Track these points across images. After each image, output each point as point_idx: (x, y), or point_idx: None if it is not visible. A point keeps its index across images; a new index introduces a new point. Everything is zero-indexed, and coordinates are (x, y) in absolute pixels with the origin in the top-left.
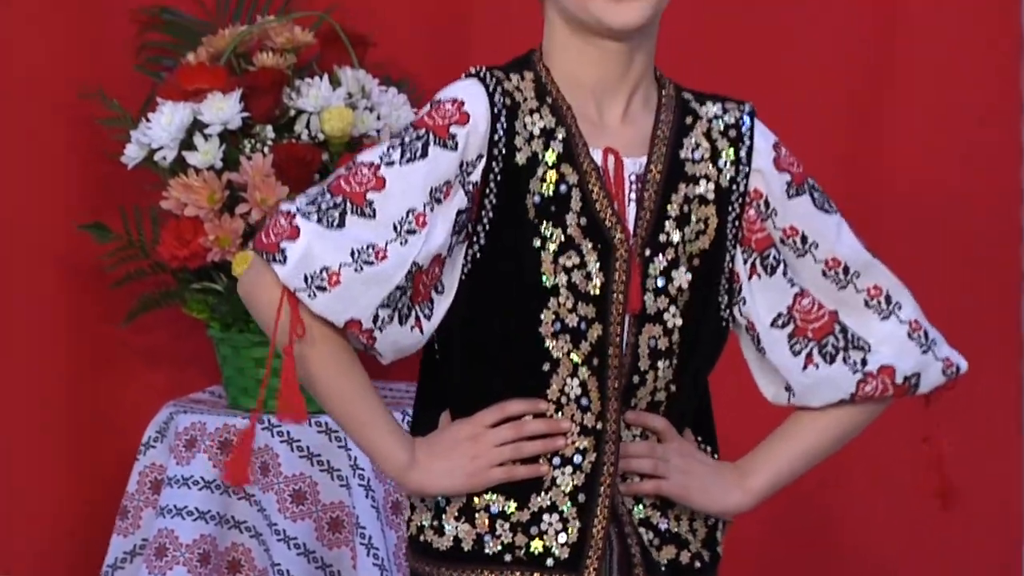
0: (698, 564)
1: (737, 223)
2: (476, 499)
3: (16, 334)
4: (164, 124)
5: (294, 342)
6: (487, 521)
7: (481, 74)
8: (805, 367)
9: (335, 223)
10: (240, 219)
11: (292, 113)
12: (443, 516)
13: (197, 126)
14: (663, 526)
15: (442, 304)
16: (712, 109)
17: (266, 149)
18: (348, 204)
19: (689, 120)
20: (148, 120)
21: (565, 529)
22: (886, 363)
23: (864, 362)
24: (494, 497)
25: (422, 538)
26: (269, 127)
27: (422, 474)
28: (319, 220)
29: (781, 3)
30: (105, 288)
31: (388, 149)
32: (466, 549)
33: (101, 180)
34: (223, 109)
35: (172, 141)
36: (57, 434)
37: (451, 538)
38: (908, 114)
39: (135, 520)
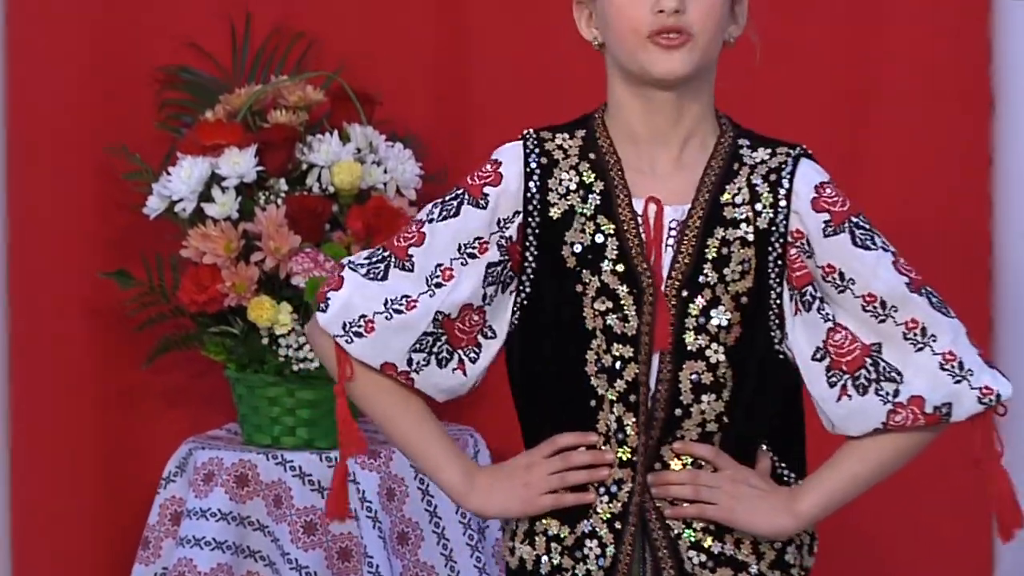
0: None
1: (780, 263)
2: (536, 523)
3: (45, 374)
4: (184, 177)
5: (343, 382)
6: (544, 543)
7: (527, 135)
8: (839, 399)
9: (380, 275)
10: (255, 267)
11: (304, 167)
12: (515, 539)
13: (215, 179)
14: (716, 549)
15: (491, 348)
16: (760, 154)
17: (279, 201)
18: (393, 258)
19: (736, 166)
20: (169, 174)
21: (603, 554)
22: (916, 393)
23: (896, 393)
24: (551, 522)
25: (506, 558)
26: (282, 180)
27: (481, 498)
28: (366, 273)
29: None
30: (128, 331)
31: (433, 207)
32: (529, 568)
33: (125, 230)
34: (239, 163)
35: (191, 193)
36: (84, 468)
37: (519, 558)
38: (884, 158)
39: (156, 550)
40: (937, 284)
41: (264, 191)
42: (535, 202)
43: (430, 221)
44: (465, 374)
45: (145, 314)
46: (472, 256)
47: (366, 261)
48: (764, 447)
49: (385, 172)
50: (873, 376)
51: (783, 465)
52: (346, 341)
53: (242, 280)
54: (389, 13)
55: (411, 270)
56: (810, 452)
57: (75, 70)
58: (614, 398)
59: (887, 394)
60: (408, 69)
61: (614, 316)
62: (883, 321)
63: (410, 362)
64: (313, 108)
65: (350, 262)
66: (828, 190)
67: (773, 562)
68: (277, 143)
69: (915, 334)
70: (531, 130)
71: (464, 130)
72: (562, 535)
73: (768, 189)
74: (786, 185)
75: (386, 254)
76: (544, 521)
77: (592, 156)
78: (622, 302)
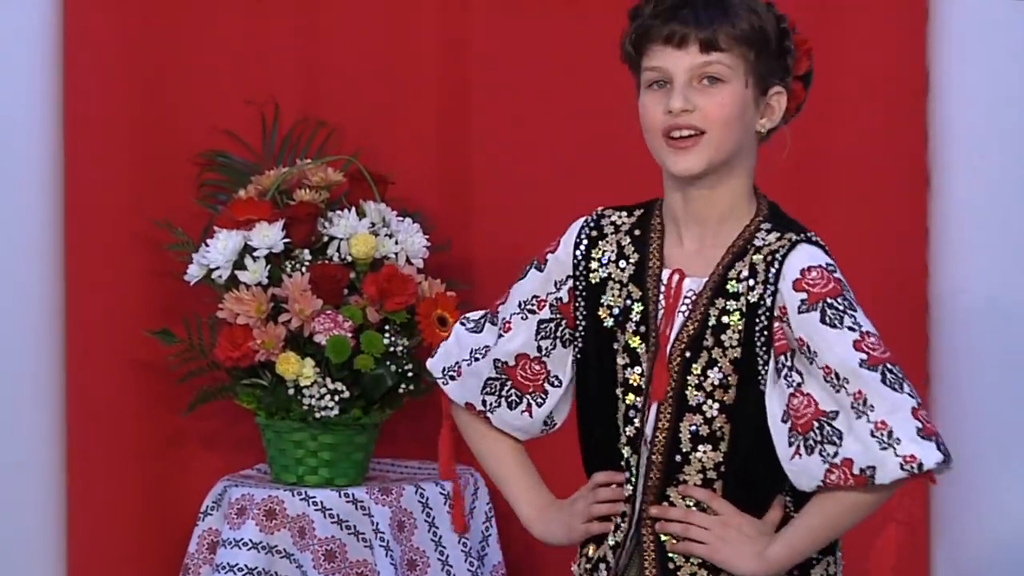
0: None
1: (766, 334)
2: (581, 547)
3: (99, 420)
4: (220, 248)
5: (447, 413)
6: (584, 561)
7: (593, 212)
8: (792, 457)
9: (478, 330)
10: (282, 326)
11: (325, 239)
12: (575, 563)
13: (247, 250)
14: None
15: (556, 394)
16: (770, 238)
17: (304, 269)
18: (489, 315)
19: (748, 248)
20: (207, 245)
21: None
22: (847, 456)
23: (835, 455)
24: (589, 545)
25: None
26: (306, 250)
27: (539, 529)
28: (472, 328)
29: None
30: (171, 383)
31: (522, 272)
32: None
33: (168, 294)
34: (268, 236)
35: (226, 262)
36: (131, 503)
37: (575, 574)
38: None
39: (195, 575)
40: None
41: (290, 260)
42: (581, 268)
43: (515, 284)
44: (531, 416)
45: (186, 368)
46: (531, 312)
47: (476, 317)
48: (786, 497)
49: (396, 244)
50: (819, 438)
51: (796, 511)
52: (443, 383)
53: (271, 338)
54: (400, 105)
55: (495, 324)
56: None
57: (126, 154)
58: (624, 441)
59: (827, 455)
60: (416, 154)
61: (631, 370)
62: (839, 391)
63: (484, 403)
64: (333, 188)
65: (464, 317)
66: (813, 273)
67: None
68: (302, 218)
69: (858, 404)
70: (599, 208)
71: (465, 207)
72: (591, 554)
73: (764, 268)
74: (777, 266)
75: (487, 311)
76: (586, 544)
77: (638, 232)
78: (638, 358)
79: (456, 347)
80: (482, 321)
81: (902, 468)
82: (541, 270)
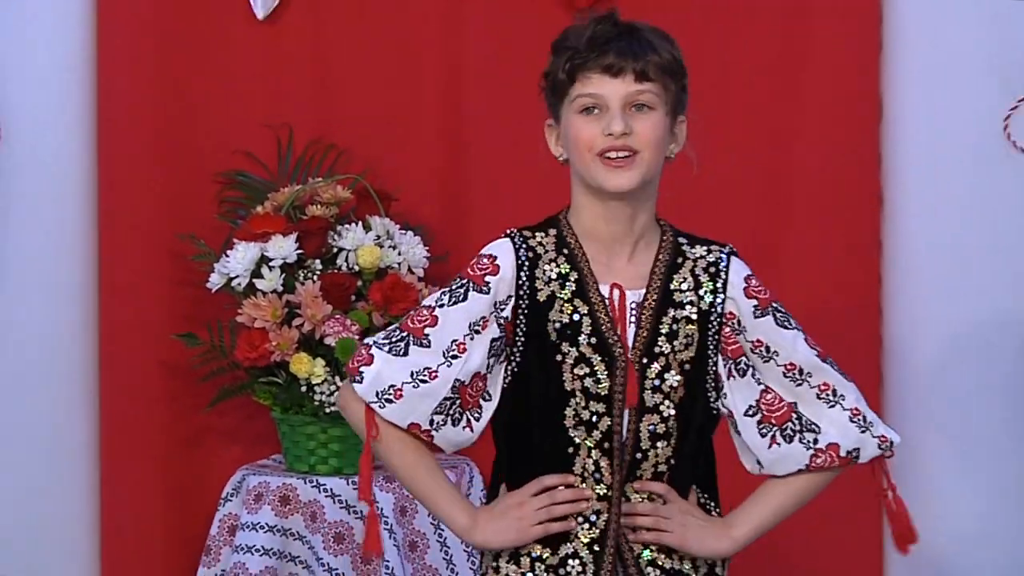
0: None
1: (716, 338)
2: (521, 548)
3: (130, 415)
4: (239, 259)
5: (370, 440)
6: (529, 563)
7: (512, 234)
8: (770, 446)
9: (401, 352)
10: (296, 329)
11: (335, 250)
12: (499, 559)
13: (264, 260)
14: (668, 565)
15: (488, 408)
16: (699, 251)
17: (315, 277)
18: (411, 338)
19: (680, 260)
20: (227, 256)
21: (584, 570)
22: (832, 441)
23: (816, 441)
24: (535, 546)
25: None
26: (318, 261)
27: (483, 534)
28: (389, 350)
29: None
30: (194, 382)
31: (441, 295)
32: None
33: (192, 301)
34: (283, 247)
35: (245, 271)
36: (159, 490)
37: (504, 574)
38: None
39: (216, 555)
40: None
41: (303, 269)
42: (525, 287)
43: (440, 306)
44: (472, 431)
45: (208, 368)
46: (478, 332)
47: (386, 341)
48: (693, 487)
49: (399, 255)
50: (797, 428)
51: (706, 497)
52: (379, 406)
53: (285, 340)
54: (403, 130)
55: (428, 346)
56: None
57: (155, 174)
58: (592, 445)
59: (809, 442)
60: (418, 173)
61: (590, 379)
62: (800, 385)
63: (431, 422)
64: (342, 204)
65: (375, 342)
66: (754, 281)
67: (707, 573)
68: (313, 231)
69: (827, 394)
70: (514, 230)
71: (463, 222)
72: (544, 556)
73: (708, 279)
74: (723, 276)
75: (404, 334)
76: (529, 545)
77: (565, 251)
78: (595, 368)
79: (387, 370)
80: (401, 344)
81: (879, 447)
82: (483, 292)
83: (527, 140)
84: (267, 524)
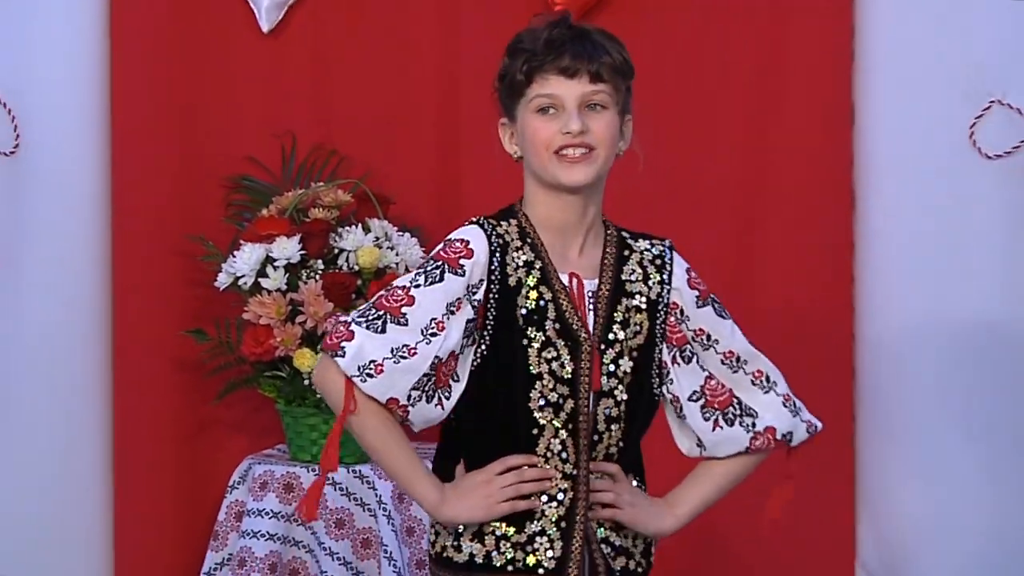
0: (640, 570)
1: (663, 327)
2: (485, 526)
3: (142, 407)
4: (245, 259)
5: (347, 414)
6: (494, 541)
7: (480, 222)
8: (714, 429)
9: (379, 329)
10: (299, 326)
11: (336, 251)
12: (461, 538)
13: (268, 260)
14: (617, 542)
15: (457, 389)
16: (643, 244)
17: (317, 276)
18: (388, 316)
19: (627, 252)
20: (234, 256)
21: (552, 547)
22: (769, 424)
23: (754, 424)
24: (498, 524)
25: (445, 554)
26: (320, 261)
27: (451, 510)
28: (367, 327)
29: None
30: (203, 376)
31: (416, 275)
32: (479, 562)
33: (201, 299)
34: (287, 248)
35: (251, 271)
36: (169, 478)
37: (467, 554)
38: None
39: (223, 540)
40: (805, 371)
41: (305, 269)
42: (497, 273)
43: (416, 287)
44: (443, 408)
45: (216, 362)
46: (454, 312)
47: (363, 319)
48: (630, 473)
49: (397, 255)
50: (737, 412)
51: (638, 480)
52: (360, 380)
53: (289, 336)
54: (400, 137)
55: (406, 324)
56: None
57: (165, 179)
58: (559, 426)
59: (748, 425)
60: (414, 178)
61: (556, 363)
62: (736, 372)
63: (409, 398)
64: (343, 207)
65: (352, 319)
66: (693, 274)
67: (643, 552)
68: (316, 233)
69: (761, 381)
70: (482, 218)
71: (457, 224)
72: (510, 534)
73: (655, 271)
74: (668, 268)
75: (380, 313)
76: (492, 524)
77: (528, 240)
78: (560, 352)
79: (369, 346)
80: (379, 321)
81: (807, 431)
82: (459, 274)
83: None
84: (272, 510)
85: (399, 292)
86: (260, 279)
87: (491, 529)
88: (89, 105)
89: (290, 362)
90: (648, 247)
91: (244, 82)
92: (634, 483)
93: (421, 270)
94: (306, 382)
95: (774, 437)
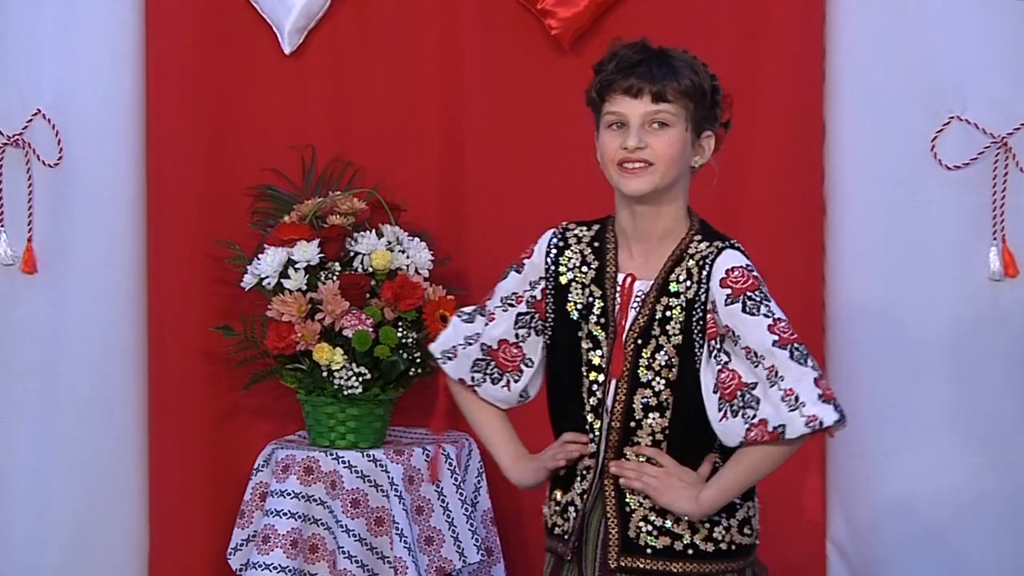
0: (691, 552)
1: (701, 323)
2: (549, 494)
3: (174, 398)
4: (268, 261)
5: (446, 384)
6: (552, 505)
7: (558, 226)
8: (721, 420)
9: (469, 320)
10: (318, 323)
11: (352, 254)
12: (544, 504)
13: (290, 263)
14: (658, 522)
15: (528, 373)
16: (701, 247)
17: (335, 278)
18: (479, 308)
19: (684, 256)
20: (258, 259)
21: (577, 515)
22: (763, 417)
23: (753, 417)
24: (556, 492)
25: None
26: (337, 263)
27: (517, 472)
28: (464, 318)
29: None
30: (230, 368)
31: (503, 274)
32: (547, 524)
33: (228, 298)
34: (307, 252)
35: (274, 272)
36: (199, 462)
37: (545, 516)
38: None
39: (249, 519)
40: None
41: (324, 271)
42: (551, 271)
43: (498, 284)
44: (510, 390)
45: (242, 356)
46: (511, 305)
47: (469, 311)
48: (715, 455)
49: (407, 258)
50: (741, 404)
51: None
52: (442, 362)
53: (309, 332)
54: (411, 149)
55: (483, 316)
56: None
57: (196, 189)
58: (588, 410)
59: (748, 417)
60: (423, 187)
61: (594, 353)
62: (757, 366)
63: (472, 378)
64: (358, 214)
65: (460, 311)
66: (736, 272)
67: (705, 537)
68: (333, 238)
69: (771, 376)
70: (564, 222)
71: (462, 229)
72: (558, 497)
73: (698, 270)
74: (708, 268)
75: (475, 306)
76: (553, 490)
77: (596, 244)
78: (600, 344)
79: (452, 334)
80: (473, 313)
81: (806, 426)
82: (519, 272)
83: (516, 158)
84: (293, 491)
85: (491, 289)
86: (282, 280)
87: (553, 494)
88: (127, 120)
89: (310, 356)
90: (704, 249)
91: (268, 100)
92: (716, 466)
93: (507, 269)
94: (324, 374)
95: (766, 429)
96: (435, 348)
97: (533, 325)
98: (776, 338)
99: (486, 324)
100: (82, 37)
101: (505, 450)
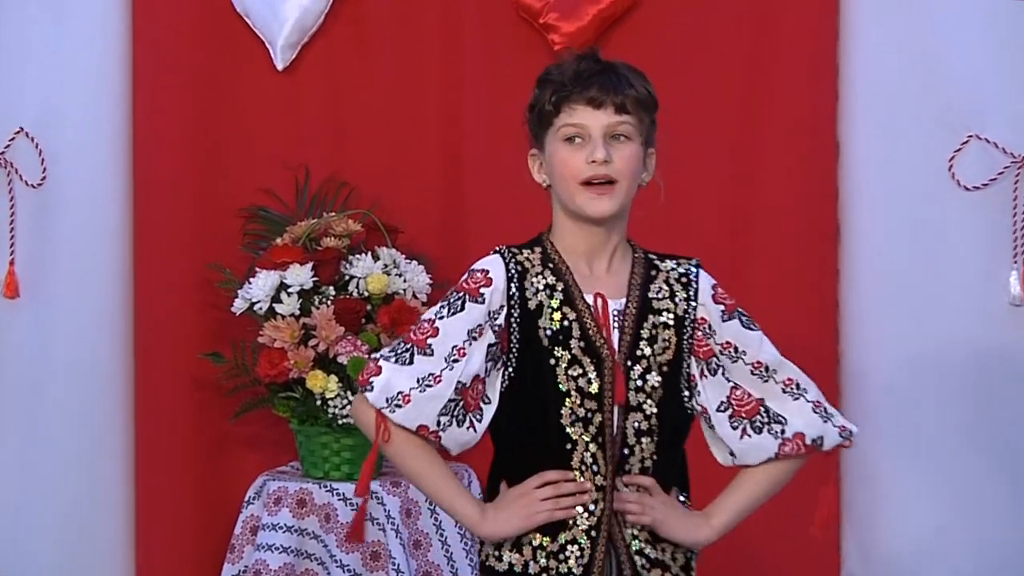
0: None
1: (690, 341)
2: (523, 537)
3: (164, 426)
4: (260, 285)
5: (378, 445)
6: (530, 551)
7: (501, 250)
8: (741, 437)
9: (407, 362)
10: (311, 349)
11: (347, 278)
12: (502, 549)
13: (283, 287)
14: (652, 555)
15: (489, 411)
16: (669, 264)
17: (329, 302)
18: (415, 348)
19: (654, 272)
20: (250, 283)
21: (582, 555)
22: (798, 430)
23: (783, 431)
24: (535, 535)
25: (488, 563)
26: (331, 287)
27: (492, 525)
28: (396, 360)
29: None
30: (221, 396)
31: (440, 307)
32: (517, 571)
33: (218, 323)
34: (300, 275)
35: (266, 297)
36: (188, 493)
37: (507, 563)
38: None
39: (239, 553)
40: None
41: (318, 295)
42: (516, 298)
43: (440, 319)
44: (475, 431)
45: (233, 383)
46: (476, 339)
47: (392, 354)
48: (674, 488)
49: (404, 282)
50: (765, 420)
51: (685, 497)
52: (389, 411)
53: (302, 359)
54: (408, 169)
55: (431, 355)
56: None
57: (186, 210)
58: (588, 440)
59: (776, 432)
60: (421, 209)
61: (583, 379)
62: (767, 381)
63: (438, 423)
64: (353, 236)
65: (381, 355)
66: (720, 289)
67: (683, 566)
68: (328, 261)
69: (792, 388)
70: (502, 247)
71: (461, 252)
72: (544, 544)
73: (681, 288)
74: (694, 286)
75: (408, 346)
76: (529, 535)
77: (551, 265)
78: (587, 369)
79: (395, 379)
80: (407, 353)
81: (840, 435)
82: (479, 302)
83: (519, 178)
84: (285, 525)
85: (425, 325)
86: (275, 304)
87: (528, 540)
88: (113, 139)
89: (303, 383)
90: (674, 266)
91: (260, 117)
92: (680, 497)
93: (445, 302)
94: (318, 402)
95: (803, 442)
96: (375, 397)
97: (496, 356)
98: (779, 351)
99: (453, 361)
100: (67, 52)
101: (470, 503)
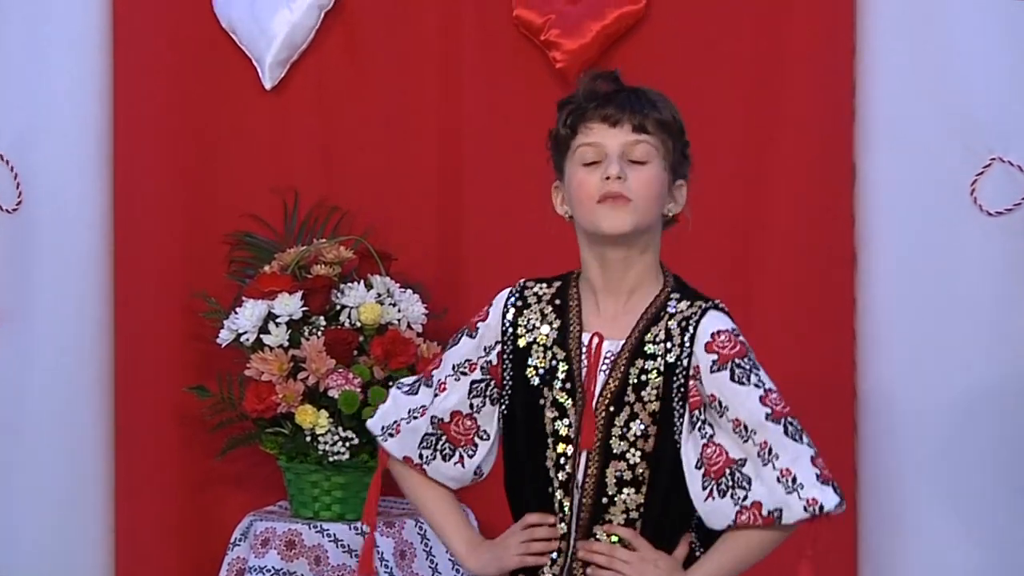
0: None
1: (682, 390)
2: None
3: (145, 463)
4: (247, 315)
5: (382, 468)
6: None
7: (516, 284)
8: (706, 499)
9: (412, 392)
10: (301, 382)
11: (338, 307)
12: None
13: (271, 317)
14: None
15: (484, 447)
16: (682, 306)
17: (320, 333)
18: (423, 379)
19: (662, 314)
20: (236, 313)
21: None
22: (756, 499)
23: (745, 498)
24: None
25: None
26: (322, 317)
27: (476, 563)
28: (406, 391)
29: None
30: (205, 432)
31: (451, 340)
32: None
33: (203, 355)
34: (289, 305)
35: (253, 327)
36: (170, 534)
37: None
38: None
39: None
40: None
41: (308, 326)
42: (509, 334)
43: (445, 351)
44: (464, 466)
45: (218, 418)
46: (464, 374)
47: (406, 383)
48: (692, 535)
49: (399, 311)
50: (730, 483)
51: (701, 548)
52: (383, 440)
53: (291, 393)
54: (402, 193)
55: (431, 387)
56: None
57: (169, 236)
58: (557, 485)
59: (738, 498)
60: (416, 235)
61: (560, 422)
62: (746, 441)
63: (421, 456)
64: (345, 263)
65: (400, 382)
66: (722, 337)
67: None
68: (318, 289)
69: (764, 453)
70: (522, 280)
71: (459, 281)
72: None
73: (679, 332)
74: (691, 331)
75: (419, 377)
76: None
77: (558, 301)
78: (567, 412)
79: (393, 408)
80: (416, 385)
81: (805, 510)
82: (472, 337)
83: (519, 204)
84: (273, 568)
85: (439, 357)
86: (262, 335)
87: None
88: (93, 162)
89: (292, 419)
90: (684, 309)
91: (247, 139)
92: (692, 544)
93: (456, 333)
94: (308, 438)
95: (760, 512)
96: (373, 424)
97: (489, 394)
98: (769, 411)
99: (435, 395)
100: (45, 73)
101: (458, 536)
